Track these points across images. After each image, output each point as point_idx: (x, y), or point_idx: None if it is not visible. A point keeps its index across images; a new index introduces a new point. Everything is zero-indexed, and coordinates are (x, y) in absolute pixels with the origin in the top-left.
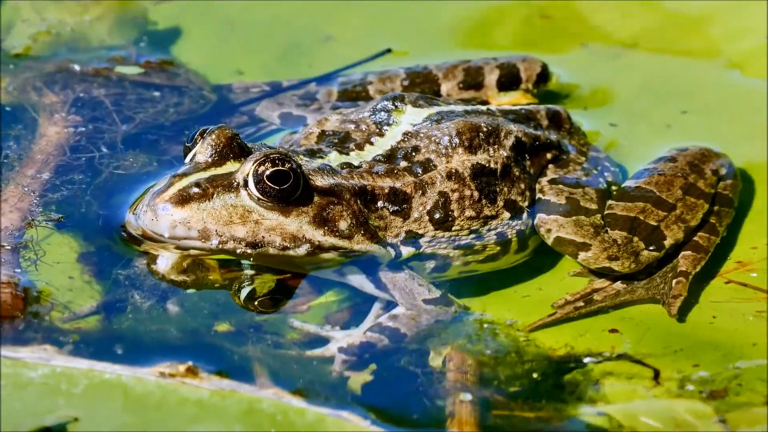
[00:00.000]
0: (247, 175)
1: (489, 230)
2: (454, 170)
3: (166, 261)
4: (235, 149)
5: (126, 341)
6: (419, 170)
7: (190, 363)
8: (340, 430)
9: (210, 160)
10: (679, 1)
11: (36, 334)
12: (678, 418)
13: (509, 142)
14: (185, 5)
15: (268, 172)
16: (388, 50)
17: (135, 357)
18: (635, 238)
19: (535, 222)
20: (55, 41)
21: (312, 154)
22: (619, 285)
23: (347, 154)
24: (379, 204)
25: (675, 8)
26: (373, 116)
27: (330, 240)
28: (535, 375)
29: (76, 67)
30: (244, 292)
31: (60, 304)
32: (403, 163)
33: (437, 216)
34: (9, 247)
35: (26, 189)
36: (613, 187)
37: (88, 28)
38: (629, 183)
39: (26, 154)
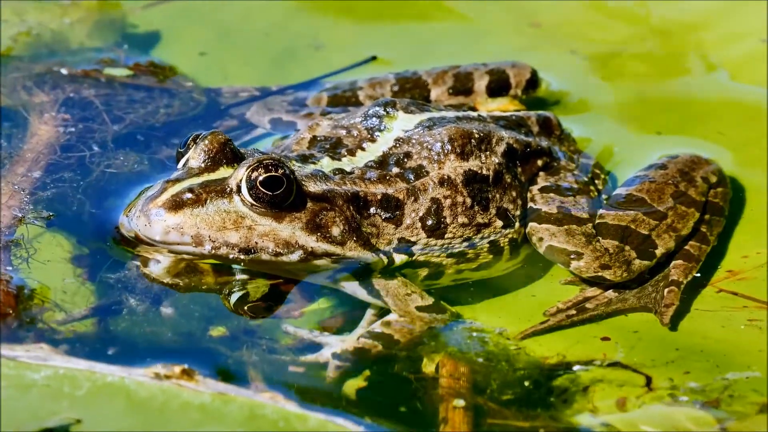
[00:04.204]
0: (240, 180)
1: (482, 238)
2: (446, 177)
3: (159, 264)
4: (228, 155)
5: (120, 343)
6: (411, 176)
7: (185, 365)
8: None
9: (203, 165)
10: (670, 7)
11: (29, 333)
12: (678, 426)
13: (501, 148)
14: (174, 10)
15: (261, 178)
16: (374, 57)
17: (129, 359)
18: (627, 247)
19: (526, 230)
20: (36, 42)
21: (304, 159)
22: (611, 293)
23: (339, 159)
24: (372, 210)
25: (667, 14)
26: (364, 122)
27: (323, 246)
28: (526, 383)
29: (64, 71)
30: (237, 297)
31: (52, 302)
32: (396, 170)
33: (430, 223)
34: (0, 245)
35: (17, 187)
36: (604, 195)
37: (69, 30)
38: (620, 190)
39: (17, 153)
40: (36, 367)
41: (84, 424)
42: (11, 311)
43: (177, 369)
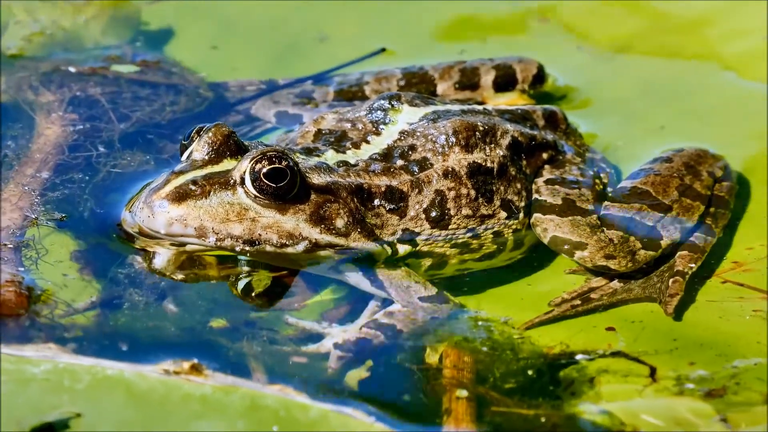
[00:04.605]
0: (244, 172)
1: (485, 229)
2: (450, 169)
3: (162, 258)
4: (231, 147)
5: (125, 338)
6: (416, 169)
7: (194, 360)
8: (343, 427)
9: (207, 157)
10: (675, 3)
11: (39, 333)
12: (679, 417)
13: (506, 141)
14: (180, 6)
15: (265, 170)
16: (383, 49)
17: (135, 354)
18: (632, 238)
19: (531, 221)
20: (50, 42)
21: (308, 152)
22: (616, 284)
23: (344, 152)
24: (376, 202)
25: (671, 10)
26: (369, 115)
27: (327, 238)
28: (530, 372)
29: (72, 69)
30: (239, 289)
31: (62, 302)
32: (400, 162)
33: (434, 214)
34: (11, 246)
35: (26, 188)
36: (609, 189)
37: (82, 29)
38: (625, 183)
39: (25, 153)
40: (36, 362)
41: (84, 417)
42: (23, 312)
43: (186, 365)
